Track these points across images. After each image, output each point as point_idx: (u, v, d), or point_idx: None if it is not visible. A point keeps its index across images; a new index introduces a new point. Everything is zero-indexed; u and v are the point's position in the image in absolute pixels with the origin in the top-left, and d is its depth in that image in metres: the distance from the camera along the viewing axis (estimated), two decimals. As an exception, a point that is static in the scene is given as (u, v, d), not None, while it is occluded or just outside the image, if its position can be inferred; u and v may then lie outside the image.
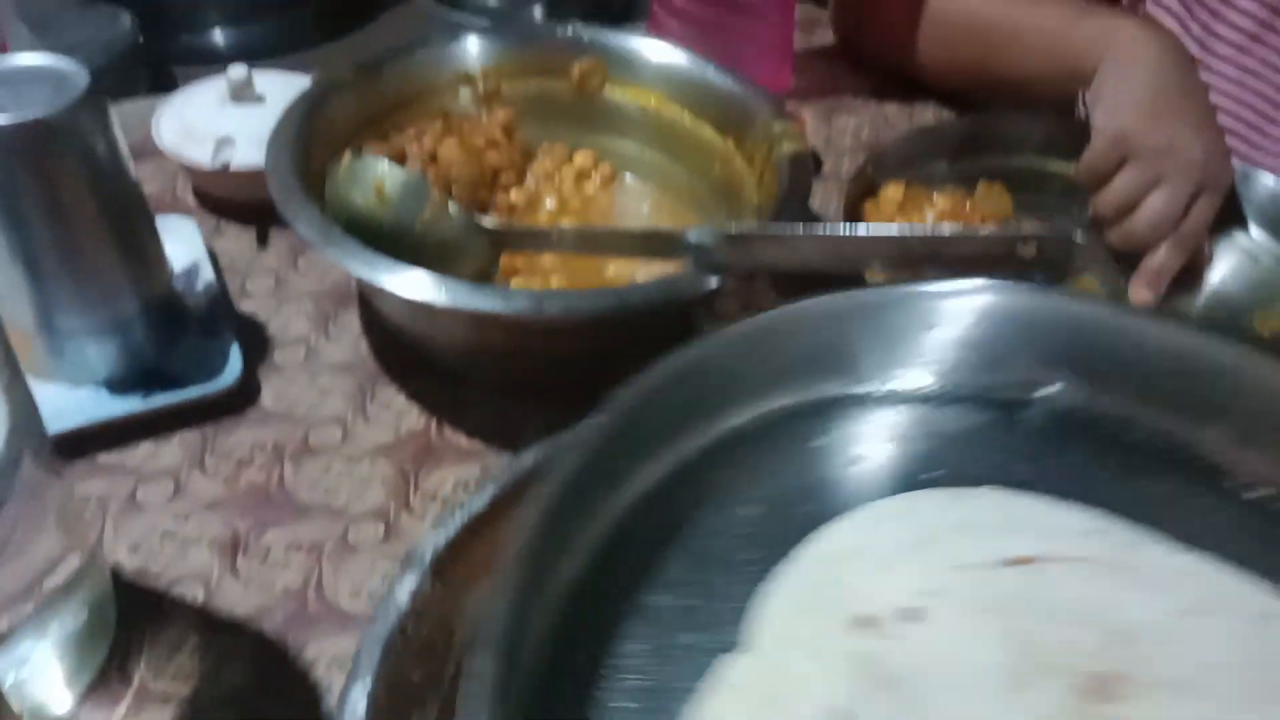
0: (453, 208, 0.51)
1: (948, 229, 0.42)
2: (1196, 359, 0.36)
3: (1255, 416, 0.35)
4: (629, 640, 0.29)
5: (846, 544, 0.32)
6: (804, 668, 0.28)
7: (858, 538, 0.32)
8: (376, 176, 0.50)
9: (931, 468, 0.35)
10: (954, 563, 0.31)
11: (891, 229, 0.42)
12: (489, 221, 0.52)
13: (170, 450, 0.51)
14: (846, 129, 0.80)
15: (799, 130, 0.57)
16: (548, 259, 0.57)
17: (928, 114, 0.82)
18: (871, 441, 0.36)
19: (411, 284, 0.46)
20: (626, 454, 0.33)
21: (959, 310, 0.38)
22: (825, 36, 0.91)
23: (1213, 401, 0.35)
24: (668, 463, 0.34)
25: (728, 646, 0.29)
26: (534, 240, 0.51)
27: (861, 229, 0.42)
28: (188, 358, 0.55)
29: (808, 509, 0.33)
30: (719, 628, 0.30)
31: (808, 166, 0.54)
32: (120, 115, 0.75)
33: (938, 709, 0.27)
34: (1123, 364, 0.36)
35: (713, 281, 0.46)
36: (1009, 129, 0.73)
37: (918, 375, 0.38)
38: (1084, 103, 0.78)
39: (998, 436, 0.36)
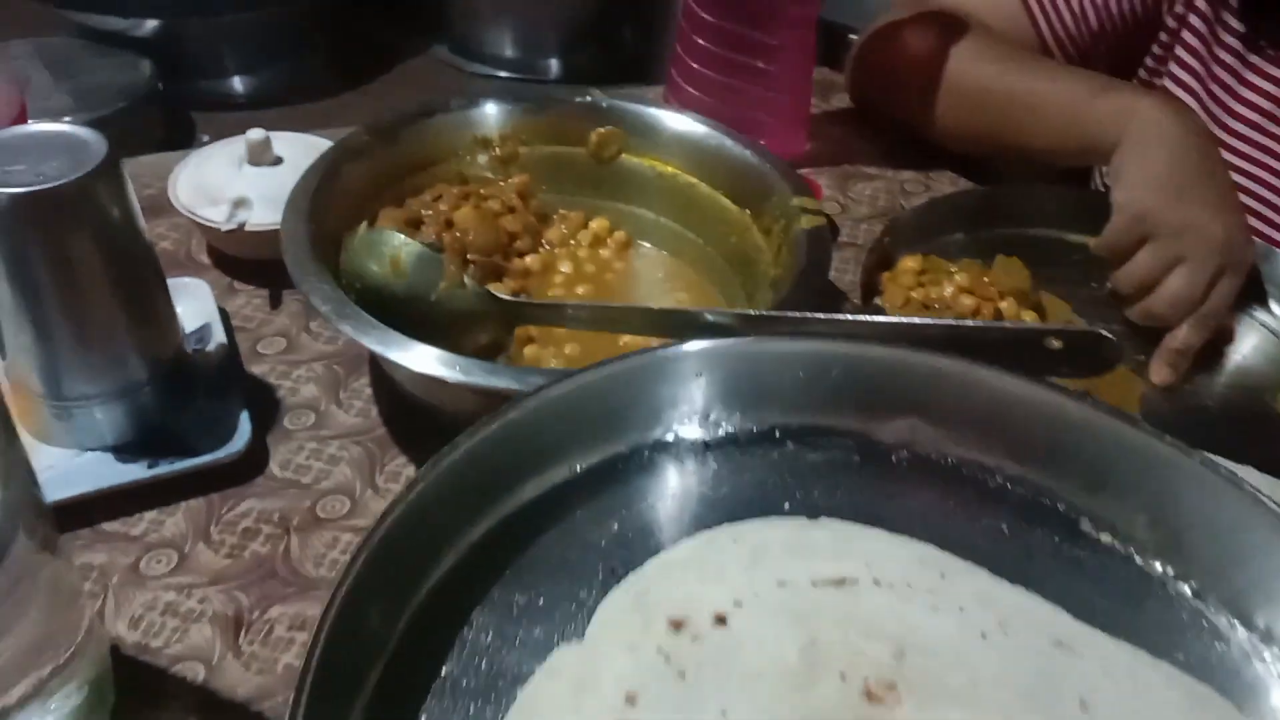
0: (468, 281, 0.50)
1: (972, 321, 0.41)
2: (1048, 411, 0.39)
3: (1104, 467, 0.38)
4: (484, 631, 0.34)
5: (688, 557, 0.36)
6: (617, 658, 0.32)
7: (699, 553, 0.36)
8: (392, 249, 0.49)
9: (785, 499, 0.38)
10: (776, 578, 0.34)
11: (914, 319, 0.42)
12: (504, 294, 0.51)
13: (175, 520, 0.50)
14: (863, 196, 0.80)
15: (818, 204, 0.57)
16: (562, 329, 0.57)
17: (944, 181, 0.82)
18: (730, 475, 0.39)
19: (425, 360, 0.45)
20: (491, 478, 0.36)
21: (819, 358, 0.40)
22: (842, 100, 0.91)
23: (1068, 452, 0.38)
24: (534, 489, 0.37)
25: (570, 638, 0.34)
26: (549, 315, 0.51)
27: (885, 317, 0.41)
28: (196, 422, 0.54)
29: (663, 529, 0.37)
30: (566, 622, 0.34)
31: (827, 242, 0.54)
32: (139, 169, 0.76)
33: (719, 698, 0.31)
34: (977, 414, 0.39)
35: (730, 362, 0.45)
36: (1027, 200, 0.73)
37: (777, 416, 0.40)
38: (1102, 176, 0.78)
39: (856, 474, 0.39)
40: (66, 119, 1.40)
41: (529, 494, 0.37)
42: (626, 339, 0.58)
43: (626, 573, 0.35)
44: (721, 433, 0.40)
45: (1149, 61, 0.80)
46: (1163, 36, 0.79)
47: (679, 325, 0.47)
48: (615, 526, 0.36)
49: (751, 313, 0.44)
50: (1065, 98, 0.70)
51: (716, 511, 0.37)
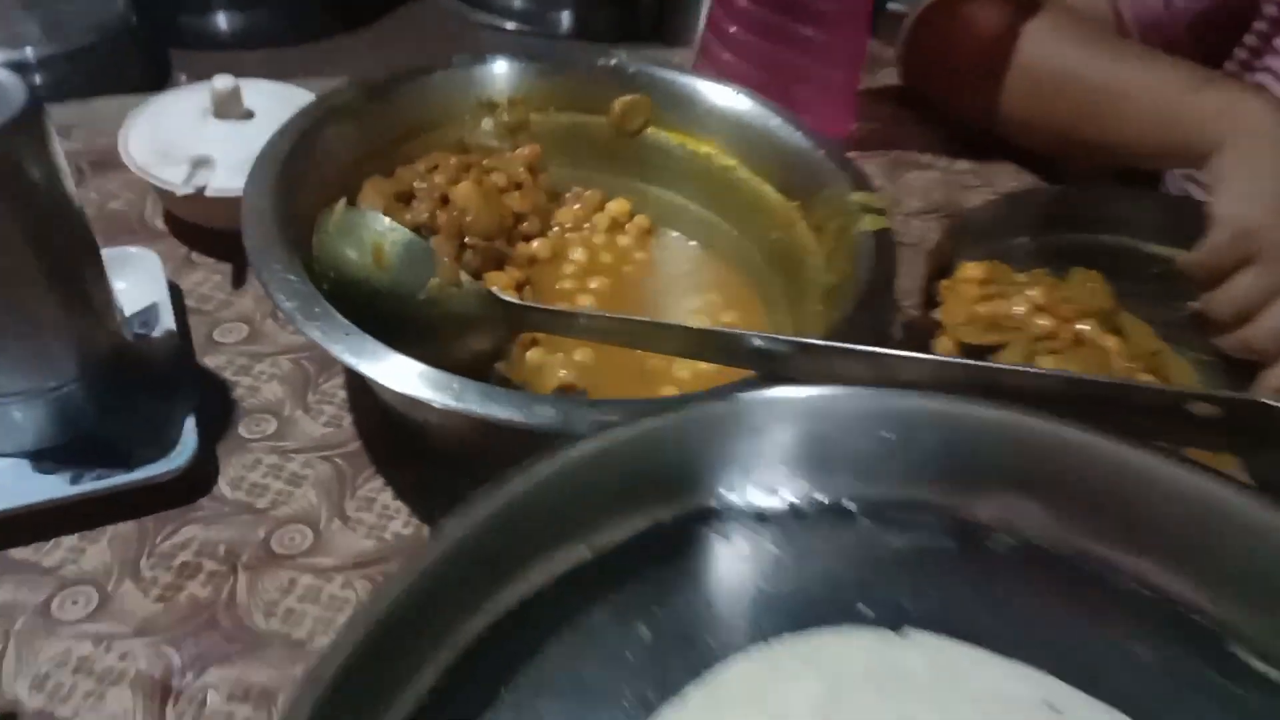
0: (464, 278, 0.41)
1: (1101, 377, 0.33)
2: (1194, 499, 0.30)
3: (1263, 572, 0.29)
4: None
5: (745, 688, 0.27)
6: None
7: (759, 681, 0.27)
8: (375, 235, 0.41)
9: (863, 598, 0.29)
10: None
11: (1030, 368, 0.34)
12: (507, 294, 0.42)
13: (99, 548, 0.42)
14: (914, 187, 0.71)
15: (884, 202, 0.48)
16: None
17: (1006, 174, 0.73)
18: (793, 562, 0.31)
19: (407, 379, 0.37)
20: (487, 566, 0.28)
21: (906, 413, 0.32)
22: (890, 75, 0.82)
23: (1215, 552, 0.30)
24: (541, 575, 0.28)
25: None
26: (560, 323, 0.42)
27: (993, 364, 0.33)
28: (133, 427, 0.45)
29: (707, 637, 0.28)
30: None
31: (894, 251, 0.45)
32: (90, 115, 0.67)
33: None
34: (1104, 497, 0.31)
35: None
36: (1104, 203, 0.64)
37: (851, 485, 0.32)
38: (1189, 179, 0.70)
39: (949, 567, 0.31)
40: (29, 49, 1.29)
41: (534, 583, 0.28)
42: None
43: (661, 703, 0.26)
44: (780, 503, 0.31)
45: (1240, 54, 0.71)
46: (1260, 25, 0.70)
47: (720, 350, 0.38)
48: (646, 633, 0.28)
49: (813, 341, 0.36)
50: (1159, 90, 0.61)
51: (776, 614, 0.29)
